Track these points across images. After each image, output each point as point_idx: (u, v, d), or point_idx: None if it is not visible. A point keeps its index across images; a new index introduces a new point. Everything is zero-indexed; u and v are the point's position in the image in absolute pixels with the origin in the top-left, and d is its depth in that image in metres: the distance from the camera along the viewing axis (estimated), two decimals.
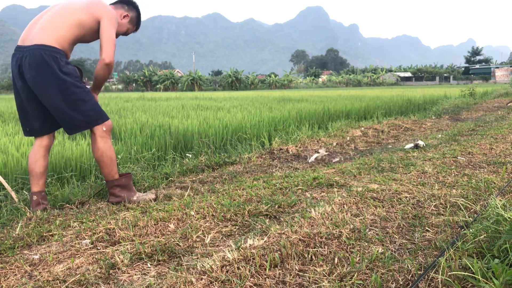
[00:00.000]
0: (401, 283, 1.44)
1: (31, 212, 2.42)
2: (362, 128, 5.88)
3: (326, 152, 4.20)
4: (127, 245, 1.88)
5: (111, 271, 1.64)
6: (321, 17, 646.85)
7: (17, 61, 2.39)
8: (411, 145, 4.25)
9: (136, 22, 2.85)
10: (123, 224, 2.12)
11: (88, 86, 2.64)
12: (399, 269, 1.52)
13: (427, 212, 2.17)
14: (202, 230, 2.02)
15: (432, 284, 1.40)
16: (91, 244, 1.92)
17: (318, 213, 2.13)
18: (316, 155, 4.05)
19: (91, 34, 2.54)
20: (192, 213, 2.25)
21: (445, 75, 69.44)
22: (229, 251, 1.68)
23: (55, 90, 2.39)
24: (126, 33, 2.85)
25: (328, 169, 3.35)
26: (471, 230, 1.70)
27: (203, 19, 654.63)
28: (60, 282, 1.55)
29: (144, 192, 2.86)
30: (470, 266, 1.39)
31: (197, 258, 1.71)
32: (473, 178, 2.81)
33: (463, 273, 1.38)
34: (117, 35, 2.66)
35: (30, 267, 1.72)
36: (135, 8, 2.83)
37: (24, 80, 2.41)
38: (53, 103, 2.42)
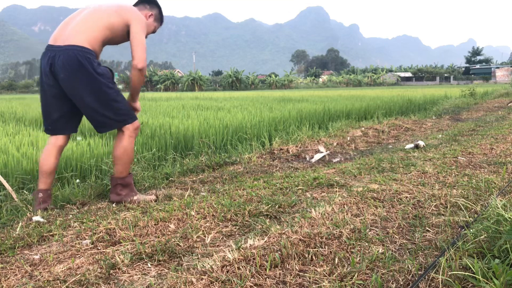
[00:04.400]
0: (401, 283, 1.44)
1: (32, 212, 2.43)
2: (363, 128, 5.88)
3: (326, 150, 4.19)
4: (127, 245, 1.88)
5: (111, 271, 1.64)
6: (322, 17, 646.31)
7: (49, 60, 2.42)
8: (412, 145, 4.25)
9: (160, 19, 2.91)
10: (123, 224, 2.12)
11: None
12: (399, 269, 1.52)
13: (427, 212, 2.17)
14: (203, 230, 2.02)
15: (432, 284, 1.40)
16: (92, 244, 1.92)
17: (319, 213, 2.13)
18: (318, 155, 4.04)
19: (120, 36, 2.60)
20: (193, 213, 2.25)
21: (445, 75, 69.40)
22: (229, 251, 1.68)
23: (89, 91, 2.44)
24: (153, 31, 2.91)
25: (328, 169, 3.34)
26: (471, 230, 1.70)
27: (203, 19, 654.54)
28: (60, 282, 1.55)
29: (144, 193, 2.87)
30: (470, 266, 1.39)
31: (198, 258, 1.71)
32: (473, 178, 2.81)
33: (463, 273, 1.38)
34: (146, 36, 2.71)
35: (30, 267, 1.72)
36: (156, 5, 2.88)
37: (55, 79, 2.45)
38: (86, 103, 2.48)
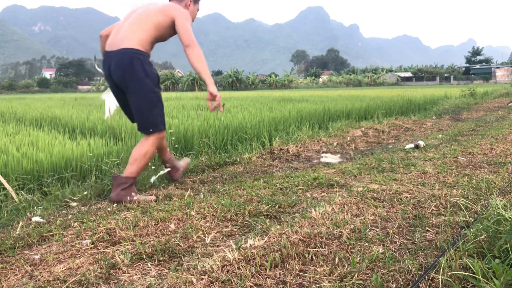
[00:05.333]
0: (401, 283, 1.44)
1: (32, 212, 2.43)
2: (363, 128, 5.88)
3: (335, 155, 4.14)
4: (127, 245, 1.88)
5: (111, 271, 1.64)
6: (322, 17, 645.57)
7: (107, 66, 2.70)
8: (412, 145, 4.25)
9: None
10: (123, 224, 2.12)
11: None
12: (399, 269, 1.52)
13: (427, 212, 2.17)
14: (203, 230, 2.02)
15: (432, 284, 1.40)
16: (92, 244, 1.92)
17: (319, 213, 2.13)
18: (325, 158, 4.00)
19: (168, 33, 2.78)
20: (193, 213, 2.25)
21: (445, 75, 69.37)
22: (229, 251, 1.68)
23: (136, 92, 2.66)
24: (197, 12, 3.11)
25: (328, 169, 3.34)
26: (471, 230, 1.70)
27: (203, 19, 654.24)
28: (60, 282, 1.55)
29: (145, 193, 2.87)
30: (470, 266, 1.39)
31: (198, 258, 1.71)
32: (473, 178, 2.81)
33: (463, 273, 1.38)
34: (192, 21, 2.90)
35: (30, 267, 1.72)
36: None
37: (113, 81, 2.71)
38: (133, 102, 2.71)
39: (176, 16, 2.71)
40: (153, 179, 3.05)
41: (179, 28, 2.69)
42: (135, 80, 2.62)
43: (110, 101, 3.13)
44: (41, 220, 2.30)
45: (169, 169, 3.15)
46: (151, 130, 2.74)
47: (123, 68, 2.60)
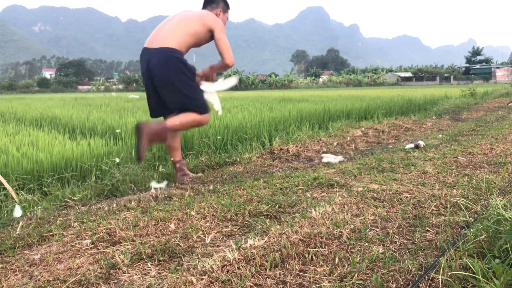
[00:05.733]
0: (401, 283, 1.44)
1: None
2: (363, 128, 5.88)
3: (337, 157, 4.15)
4: (127, 245, 1.88)
5: (111, 271, 1.64)
6: (322, 17, 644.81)
7: (146, 60, 2.94)
8: (412, 145, 4.25)
9: (226, 8, 3.27)
10: (123, 224, 2.12)
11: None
12: (399, 269, 1.52)
13: (427, 212, 2.17)
14: (203, 230, 2.02)
15: (432, 284, 1.40)
16: (92, 244, 1.92)
17: (319, 213, 2.13)
18: (326, 159, 3.99)
19: (203, 40, 3.05)
20: (193, 213, 2.25)
21: (445, 75, 69.34)
22: (229, 251, 1.68)
23: (178, 83, 2.89)
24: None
25: (328, 169, 3.34)
26: (471, 230, 1.70)
27: None
28: (60, 282, 1.55)
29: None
30: (470, 266, 1.39)
31: (198, 258, 1.71)
32: (473, 178, 2.81)
33: (463, 273, 1.38)
34: None
35: (30, 267, 1.72)
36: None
37: (150, 75, 2.93)
38: (176, 94, 2.92)
39: (215, 29, 2.97)
40: (152, 184, 3.07)
41: (221, 44, 2.98)
42: (177, 74, 2.87)
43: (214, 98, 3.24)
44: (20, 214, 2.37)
45: (169, 186, 3.16)
46: (194, 109, 2.94)
47: (163, 64, 2.84)
